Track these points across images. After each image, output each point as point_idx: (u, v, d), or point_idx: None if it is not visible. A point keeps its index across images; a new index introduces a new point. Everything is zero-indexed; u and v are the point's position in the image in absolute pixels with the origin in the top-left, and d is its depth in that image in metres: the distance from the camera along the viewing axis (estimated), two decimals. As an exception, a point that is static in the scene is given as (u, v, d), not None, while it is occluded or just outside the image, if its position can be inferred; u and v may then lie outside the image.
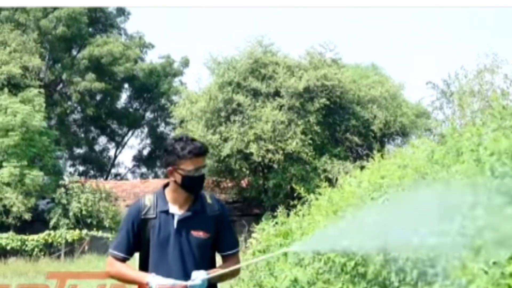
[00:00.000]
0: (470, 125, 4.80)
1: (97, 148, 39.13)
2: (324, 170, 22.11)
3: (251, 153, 22.77)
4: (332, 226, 4.53)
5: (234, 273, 3.56)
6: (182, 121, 25.46)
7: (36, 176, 23.32)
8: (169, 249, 3.34)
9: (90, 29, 34.15)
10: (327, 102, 23.40)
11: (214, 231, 3.41)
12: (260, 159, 22.80)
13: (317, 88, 23.27)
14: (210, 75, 25.08)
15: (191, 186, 3.36)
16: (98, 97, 35.16)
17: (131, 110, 37.97)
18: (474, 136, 4.08)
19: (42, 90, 27.81)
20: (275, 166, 23.17)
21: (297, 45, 61.30)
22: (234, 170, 24.06)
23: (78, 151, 38.30)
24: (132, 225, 3.40)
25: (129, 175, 39.49)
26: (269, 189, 23.77)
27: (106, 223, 24.06)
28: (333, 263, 4.77)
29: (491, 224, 2.61)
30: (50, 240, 23.33)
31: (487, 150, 3.65)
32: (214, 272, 3.35)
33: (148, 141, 39.33)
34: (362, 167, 7.14)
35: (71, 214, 24.08)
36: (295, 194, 8.14)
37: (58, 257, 22.87)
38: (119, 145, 39.28)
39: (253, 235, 8.84)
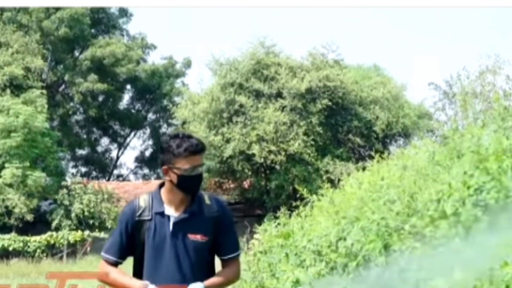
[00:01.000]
0: (471, 126, 4.79)
1: (99, 149, 39.14)
2: (326, 171, 22.09)
3: (253, 154, 22.77)
4: None
5: (234, 280, 3.33)
6: (184, 122, 25.46)
7: (38, 177, 23.35)
8: (165, 253, 3.12)
9: (92, 30, 34.17)
10: (329, 103, 23.40)
11: (212, 233, 3.16)
12: (262, 160, 22.81)
13: (319, 89, 23.26)
14: (212, 76, 25.15)
15: (187, 186, 3.12)
16: (100, 98, 35.18)
17: (133, 111, 37.99)
18: (475, 137, 4.08)
19: (44, 91, 27.91)
20: (277, 167, 23.16)
21: (299, 46, 61.41)
22: (236, 171, 24.06)
23: (80, 152, 38.30)
24: (126, 226, 3.19)
25: (131, 176, 39.55)
26: (271, 190, 23.76)
27: (108, 224, 24.04)
28: (335, 264, 4.77)
29: None
30: (52, 241, 23.35)
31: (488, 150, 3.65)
32: (212, 284, 3.13)
33: (150, 142, 39.30)
34: (364, 168, 7.13)
35: (73, 215, 24.11)
36: (297, 195, 8.13)
37: (60, 258, 22.88)
38: (121, 146, 39.28)
39: (255, 236, 8.85)
